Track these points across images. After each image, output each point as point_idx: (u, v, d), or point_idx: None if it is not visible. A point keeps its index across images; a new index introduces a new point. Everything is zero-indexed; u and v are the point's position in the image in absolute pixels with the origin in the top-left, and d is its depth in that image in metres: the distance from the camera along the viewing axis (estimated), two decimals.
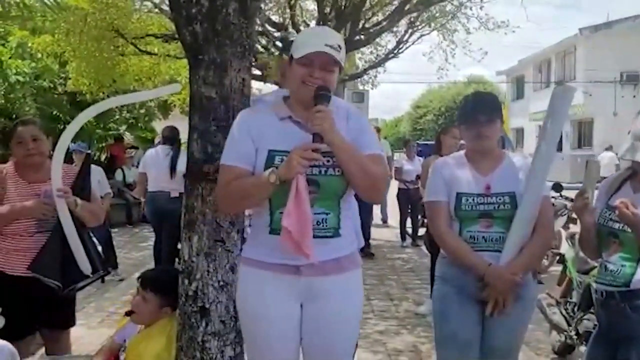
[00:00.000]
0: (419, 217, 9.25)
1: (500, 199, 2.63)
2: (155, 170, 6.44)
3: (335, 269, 2.19)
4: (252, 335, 2.29)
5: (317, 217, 2.12)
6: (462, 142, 6.39)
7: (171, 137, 6.61)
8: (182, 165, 6.44)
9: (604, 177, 2.97)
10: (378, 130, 10.34)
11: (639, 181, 2.48)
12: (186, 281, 2.78)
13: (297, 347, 2.26)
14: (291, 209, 2.03)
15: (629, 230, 2.36)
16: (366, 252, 7.53)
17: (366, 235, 7.06)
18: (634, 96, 24.67)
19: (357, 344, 3.29)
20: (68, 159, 8.05)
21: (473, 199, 2.65)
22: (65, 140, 3.15)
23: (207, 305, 2.72)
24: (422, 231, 8.29)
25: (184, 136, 6.04)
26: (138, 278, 3.03)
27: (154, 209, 6.51)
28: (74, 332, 3.57)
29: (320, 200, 2.13)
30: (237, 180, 2.14)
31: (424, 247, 6.45)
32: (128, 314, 2.95)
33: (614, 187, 2.56)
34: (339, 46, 2.16)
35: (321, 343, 2.22)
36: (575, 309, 4.24)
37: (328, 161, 2.11)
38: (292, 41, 2.33)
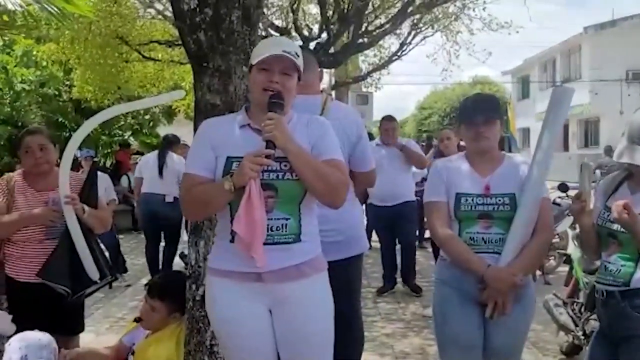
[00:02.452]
0: (425, 219, 9.19)
1: (499, 200, 2.63)
2: (148, 172, 6.75)
3: (298, 275, 2.19)
4: (225, 342, 2.31)
5: (277, 222, 2.14)
6: (462, 142, 6.40)
7: (164, 142, 7.05)
8: (171, 165, 6.57)
9: None
10: (370, 135, 10.02)
11: (636, 182, 2.49)
12: (193, 286, 2.80)
13: (272, 352, 2.25)
14: (241, 214, 2.06)
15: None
16: (412, 285, 6.52)
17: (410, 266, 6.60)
18: None
19: (363, 346, 3.30)
20: (76, 165, 8.13)
21: (472, 200, 2.65)
22: (72, 148, 3.19)
23: None
24: (428, 233, 8.27)
25: (188, 141, 6.09)
26: (145, 285, 3.04)
27: (146, 211, 6.75)
28: (82, 338, 3.60)
29: (281, 205, 2.15)
30: (197, 187, 2.18)
31: (430, 249, 6.45)
32: (137, 320, 2.97)
33: (611, 188, 2.56)
34: (297, 53, 2.21)
35: (293, 349, 2.24)
36: (582, 309, 4.23)
37: (285, 166, 2.13)
38: None
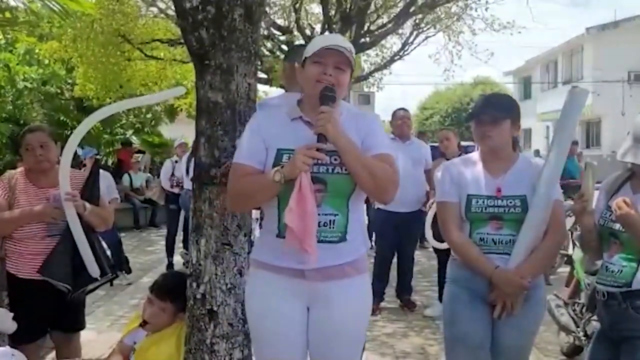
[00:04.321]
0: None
1: (510, 202, 2.62)
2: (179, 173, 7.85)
3: (340, 275, 2.18)
4: (259, 335, 2.31)
5: (325, 217, 2.13)
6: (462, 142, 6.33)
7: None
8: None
9: None
10: None
11: (638, 182, 2.48)
12: (194, 284, 2.80)
13: (302, 349, 2.26)
14: (293, 206, 2.05)
15: None
16: (405, 301, 6.04)
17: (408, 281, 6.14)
18: None
19: (364, 347, 3.30)
20: (79, 164, 8.13)
21: (483, 201, 2.64)
22: (73, 144, 3.19)
23: (215, 308, 2.73)
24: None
25: (190, 140, 6.09)
26: (152, 289, 2.99)
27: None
28: (83, 336, 3.60)
29: (329, 199, 2.14)
30: (246, 178, 2.17)
31: (431, 249, 6.42)
32: (142, 325, 2.94)
33: (614, 188, 2.56)
34: (351, 50, 2.22)
35: (326, 348, 2.23)
36: (584, 310, 4.23)
37: (335, 159, 2.13)
38: (295, 45, 2.37)
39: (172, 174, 8.12)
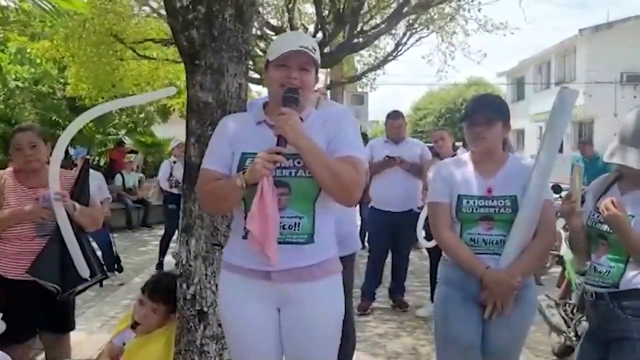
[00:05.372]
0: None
1: (501, 203, 2.63)
2: None
3: (308, 276, 2.16)
4: (232, 338, 2.30)
5: (290, 220, 2.12)
6: (457, 143, 6.32)
7: None
8: None
9: None
10: (365, 136, 9.74)
11: (626, 183, 2.49)
12: (184, 285, 2.79)
13: (276, 351, 2.24)
14: (254, 211, 2.05)
15: None
16: (398, 301, 6.00)
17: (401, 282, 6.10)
18: (635, 97, 24.64)
19: (355, 345, 3.30)
20: (71, 164, 8.09)
21: (474, 202, 2.65)
22: (63, 144, 3.17)
23: (205, 309, 2.73)
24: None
25: (182, 140, 6.07)
26: (143, 290, 2.98)
27: None
28: (74, 336, 3.58)
29: (294, 203, 2.13)
30: (213, 183, 2.18)
31: (424, 250, 6.42)
32: (133, 326, 2.92)
33: (602, 189, 2.57)
34: (314, 48, 2.20)
35: (299, 349, 2.22)
36: (574, 310, 4.24)
37: (299, 162, 2.11)
38: None
39: (171, 174, 8.17)
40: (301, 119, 2.15)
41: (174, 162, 8.24)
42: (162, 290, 2.93)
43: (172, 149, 8.90)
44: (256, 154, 2.08)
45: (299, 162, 2.11)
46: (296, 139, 2.07)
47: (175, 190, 7.99)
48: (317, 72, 2.25)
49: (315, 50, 2.20)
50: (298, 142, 2.07)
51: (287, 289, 2.17)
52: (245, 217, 2.11)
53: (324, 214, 2.19)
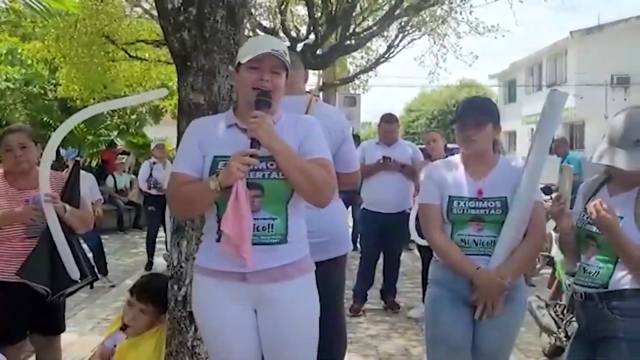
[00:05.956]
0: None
1: (491, 204, 2.65)
2: None
3: (282, 276, 2.17)
4: (210, 342, 2.30)
5: (263, 222, 2.13)
6: (449, 145, 6.33)
7: None
8: None
9: None
10: (357, 137, 9.70)
11: (615, 184, 2.51)
12: (175, 286, 2.78)
13: (255, 352, 2.24)
14: (229, 213, 2.05)
15: None
16: (390, 302, 5.98)
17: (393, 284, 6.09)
18: (625, 99, 24.79)
19: (346, 346, 3.30)
20: (62, 166, 8.06)
21: (465, 203, 2.67)
22: (53, 145, 3.16)
23: None
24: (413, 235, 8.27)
25: (173, 142, 6.06)
26: (132, 291, 2.96)
27: None
28: (65, 338, 3.57)
29: (267, 205, 2.14)
30: (184, 187, 2.18)
31: (416, 251, 6.44)
32: (123, 329, 2.91)
33: (591, 191, 2.59)
34: (285, 52, 2.22)
35: (277, 349, 2.22)
36: (565, 311, 4.26)
37: (271, 165, 2.13)
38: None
39: (150, 175, 8.16)
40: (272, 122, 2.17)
41: (154, 163, 8.27)
42: (149, 291, 2.92)
43: (152, 149, 8.90)
44: (229, 157, 2.09)
45: (271, 165, 2.13)
46: (270, 141, 2.09)
47: (154, 192, 8.02)
48: (287, 76, 2.26)
49: (286, 54, 2.22)
50: (272, 144, 2.09)
51: (262, 290, 2.18)
52: (219, 221, 2.12)
53: (296, 215, 2.21)
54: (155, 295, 2.87)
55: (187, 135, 2.30)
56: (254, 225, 2.10)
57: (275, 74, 2.20)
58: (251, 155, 2.06)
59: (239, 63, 2.23)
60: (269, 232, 2.14)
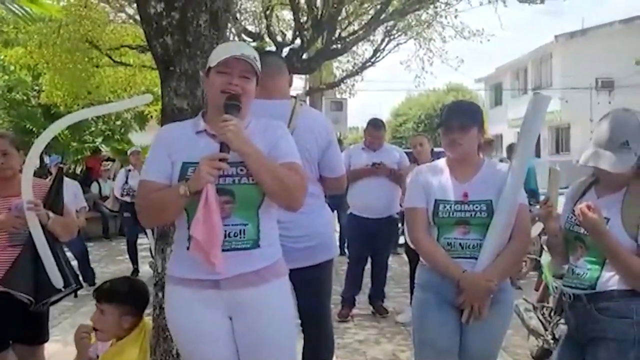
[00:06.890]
0: (399, 225, 9.18)
1: (477, 207, 2.66)
2: None
3: (258, 280, 2.15)
4: (187, 349, 2.27)
5: (235, 228, 2.11)
6: (435, 149, 6.34)
7: None
8: None
9: None
10: (340, 141, 9.71)
11: (602, 187, 2.52)
12: (160, 294, 2.76)
13: (233, 359, 2.22)
14: (199, 218, 2.03)
15: None
16: (378, 307, 5.97)
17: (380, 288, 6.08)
18: (610, 102, 25.03)
19: (333, 351, 3.28)
20: (45, 173, 7.96)
21: (450, 206, 2.68)
22: (36, 151, 3.13)
23: None
24: (402, 240, 8.28)
25: (138, 148, 5.98)
26: (93, 295, 2.95)
27: None
28: (49, 347, 3.52)
29: (238, 211, 2.12)
30: (153, 194, 2.15)
31: (404, 255, 6.44)
32: (95, 331, 2.88)
33: (579, 193, 2.61)
34: (255, 57, 2.21)
35: (254, 355, 2.20)
36: (552, 313, 4.27)
37: (242, 170, 2.11)
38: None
39: (126, 182, 8.12)
40: None
41: (129, 170, 8.23)
42: (104, 291, 2.88)
43: (129, 156, 8.84)
44: (198, 163, 2.07)
45: (242, 170, 2.11)
46: (240, 144, 2.07)
47: (128, 199, 7.95)
48: (257, 83, 2.25)
49: (256, 59, 2.21)
50: (242, 148, 2.07)
51: (236, 296, 2.15)
52: (189, 228, 2.09)
53: (268, 220, 2.20)
54: (112, 295, 2.83)
55: (156, 142, 2.28)
56: (225, 231, 2.08)
57: (245, 78, 2.19)
58: (221, 160, 2.04)
59: (209, 68, 2.22)
60: (240, 237, 2.12)
